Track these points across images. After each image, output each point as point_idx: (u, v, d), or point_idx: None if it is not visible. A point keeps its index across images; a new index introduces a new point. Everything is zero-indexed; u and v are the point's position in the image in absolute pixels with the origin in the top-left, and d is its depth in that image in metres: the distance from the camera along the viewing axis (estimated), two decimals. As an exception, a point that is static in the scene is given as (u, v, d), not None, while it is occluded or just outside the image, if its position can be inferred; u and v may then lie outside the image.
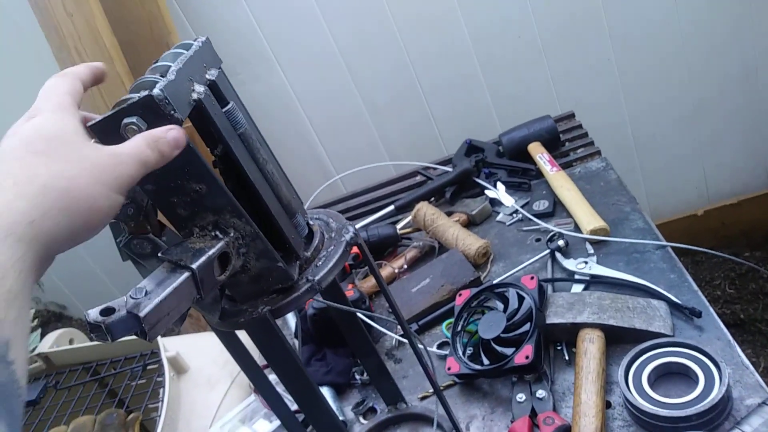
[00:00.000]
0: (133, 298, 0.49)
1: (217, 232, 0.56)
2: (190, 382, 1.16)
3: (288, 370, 0.67)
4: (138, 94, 0.48)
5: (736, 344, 0.84)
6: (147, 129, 0.48)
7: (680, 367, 0.80)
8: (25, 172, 0.40)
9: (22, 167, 0.41)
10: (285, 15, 1.69)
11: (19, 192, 0.39)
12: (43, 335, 1.46)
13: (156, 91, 0.47)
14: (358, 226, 1.38)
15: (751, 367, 0.80)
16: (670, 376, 0.81)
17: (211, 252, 0.53)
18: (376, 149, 1.91)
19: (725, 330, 0.86)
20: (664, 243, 1.04)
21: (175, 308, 0.51)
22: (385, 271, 1.24)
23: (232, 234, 0.56)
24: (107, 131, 0.48)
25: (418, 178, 1.54)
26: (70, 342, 1.40)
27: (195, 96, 0.53)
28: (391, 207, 1.41)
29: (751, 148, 1.91)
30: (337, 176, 1.70)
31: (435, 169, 1.49)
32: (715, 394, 0.74)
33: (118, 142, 0.48)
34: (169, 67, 0.52)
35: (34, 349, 1.35)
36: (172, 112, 0.48)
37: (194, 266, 0.51)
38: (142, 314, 0.48)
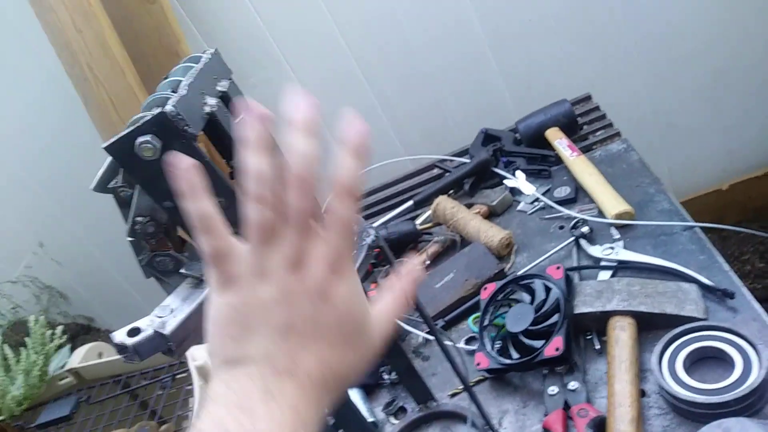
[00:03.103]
0: (158, 317, 0.49)
1: (239, 245, 0.55)
2: (220, 389, 1.16)
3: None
4: (151, 112, 0.48)
5: (773, 324, 0.82)
6: (162, 147, 0.47)
7: (716, 351, 0.78)
8: (321, 364, 0.40)
9: (319, 357, 0.40)
10: (292, 16, 1.68)
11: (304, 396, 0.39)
12: (72, 349, 1.47)
13: (168, 107, 0.47)
14: (376, 223, 1.38)
15: (791, 348, 0.78)
16: (706, 360, 0.80)
17: (233, 265, 0.53)
18: (391, 144, 1.89)
19: (761, 310, 0.84)
20: (692, 223, 1.01)
21: (201, 324, 0.50)
22: (408, 268, 1.23)
23: (253, 245, 0.55)
24: (122, 150, 0.48)
25: (435, 172, 1.52)
26: (99, 356, 1.42)
27: (208, 109, 0.52)
28: (410, 203, 1.40)
29: (776, 115, 1.86)
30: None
31: (452, 161, 1.48)
32: (755, 377, 0.72)
33: (134, 161, 0.48)
34: (180, 81, 0.52)
35: (64, 365, 1.36)
36: (186, 127, 0.48)
37: (217, 281, 0.51)
38: (168, 332, 0.48)
